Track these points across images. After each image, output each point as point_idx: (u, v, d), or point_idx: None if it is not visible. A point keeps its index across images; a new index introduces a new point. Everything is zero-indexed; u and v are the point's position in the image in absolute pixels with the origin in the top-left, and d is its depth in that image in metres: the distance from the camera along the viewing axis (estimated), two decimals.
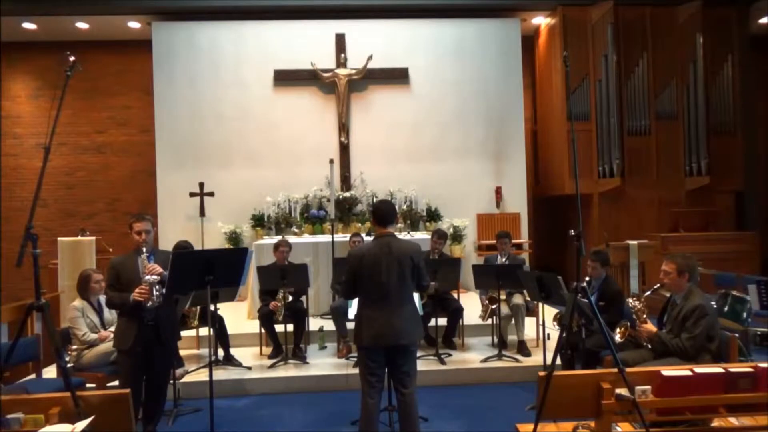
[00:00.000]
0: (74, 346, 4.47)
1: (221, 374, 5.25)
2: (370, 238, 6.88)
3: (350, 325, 5.35)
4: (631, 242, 7.83)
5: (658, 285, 3.98)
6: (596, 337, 4.47)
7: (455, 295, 5.99)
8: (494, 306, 5.76)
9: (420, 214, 8.81)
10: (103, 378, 4.30)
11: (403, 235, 7.72)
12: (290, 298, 5.60)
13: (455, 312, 5.80)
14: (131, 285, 3.66)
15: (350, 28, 9.14)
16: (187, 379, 5.07)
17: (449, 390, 5.08)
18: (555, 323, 5.07)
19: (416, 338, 3.69)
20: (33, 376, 4.75)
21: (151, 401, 3.82)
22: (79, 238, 6.49)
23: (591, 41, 9.35)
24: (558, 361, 3.32)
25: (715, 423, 3.09)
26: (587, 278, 4.77)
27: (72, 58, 2.94)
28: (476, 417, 4.49)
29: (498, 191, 9.18)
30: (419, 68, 9.21)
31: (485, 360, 5.48)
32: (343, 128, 9.02)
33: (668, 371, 2.90)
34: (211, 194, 8.68)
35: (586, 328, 4.46)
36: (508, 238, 6.23)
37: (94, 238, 6.49)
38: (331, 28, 9.13)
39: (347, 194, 8.80)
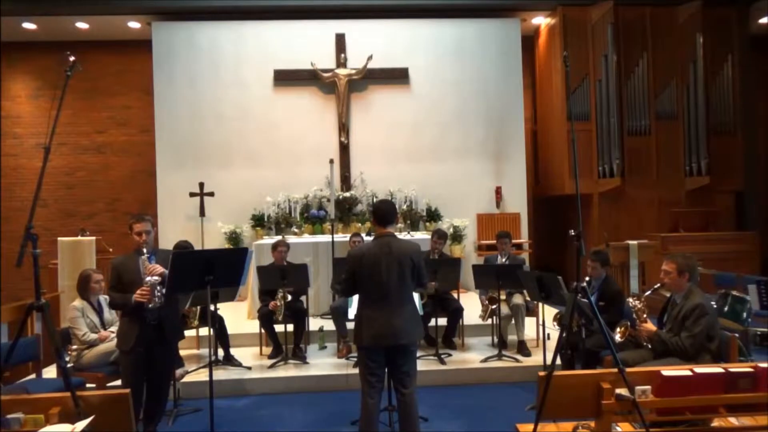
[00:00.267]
0: (74, 346, 4.47)
1: (221, 374, 5.25)
2: (370, 238, 6.90)
3: (350, 325, 5.35)
4: (631, 242, 7.83)
5: (658, 285, 3.98)
6: (596, 337, 4.47)
7: (455, 295, 5.99)
8: (494, 306, 5.76)
9: (420, 214, 8.82)
10: (103, 378, 4.30)
11: (403, 235, 7.72)
12: (289, 298, 5.60)
13: (455, 312, 5.80)
14: (133, 285, 3.66)
15: (350, 28, 9.14)
16: (187, 379, 5.06)
17: (449, 390, 5.08)
18: (555, 323, 5.07)
19: (416, 338, 3.68)
20: (33, 376, 4.74)
21: (152, 401, 3.83)
22: (79, 238, 6.49)
23: (591, 41, 9.35)
24: (558, 361, 3.32)
25: (715, 423, 3.09)
26: (587, 278, 4.77)
27: (72, 58, 2.94)
28: (476, 417, 4.49)
29: (498, 191, 9.19)
30: (419, 68, 9.21)
31: (485, 360, 5.48)
32: (343, 128, 9.02)
33: (668, 371, 2.90)
34: (211, 194, 8.68)
35: (586, 328, 4.46)
36: (508, 238, 6.23)
37: (94, 238, 6.49)
38: (331, 28, 9.13)
39: (347, 194, 8.80)
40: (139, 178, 10.00)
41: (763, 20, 9.89)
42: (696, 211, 9.16)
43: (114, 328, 4.57)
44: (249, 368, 5.41)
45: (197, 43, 9.04)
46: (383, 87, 9.19)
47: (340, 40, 9.12)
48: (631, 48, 9.42)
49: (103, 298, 4.74)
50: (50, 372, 5.04)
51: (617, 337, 3.97)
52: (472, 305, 6.38)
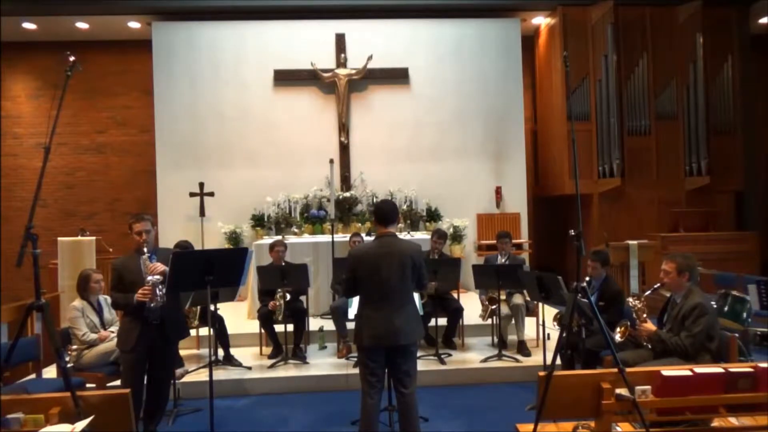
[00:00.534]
0: (74, 346, 4.47)
1: (221, 374, 5.25)
2: (369, 238, 6.90)
3: (350, 325, 5.35)
4: (631, 242, 7.83)
5: (658, 285, 3.97)
6: (596, 337, 4.47)
7: (455, 295, 5.99)
8: (494, 306, 5.76)
9: (420, 214, 8.82)
10: (103, 378, 4.30)
11: (403, 235, 7.72)
12: (288, 297, 5.60)
13: (455, 312, 5.81)
14: (135, 286, 3.67)
15: (350, 28, 9.15)
16: (187, 379, 5.07)
17: (449, 390, 5.08)
18: (555, 323, 5.06)
19: (416, 338, 3.68)
20: (33, 376, 4.74)
21: (153, 401, 3.84)
22: (79, 238, 6.49)
23: (591, 41, 9.35)
24: (558, 361, 3.32)
25: (715, 423, 3.09)
26: (587, 278, 4.77)
27: (72, 58, 2.94)
28: (476, 417, 4.49)
29: (498, 191, 9.19)
30: (419, 68, 9.21)
31: (485, 360, 5.48)
32: (343, 128, 9.02)
33: (668, 371, 2.90)
34: (211, 194, 8.68)
35: (586, 328, 4.46)
36: (508, 238, 6.23)
37: (94, 238, 6.49)
38: (331, 28, 9.13)
39: (347, 194, 8.80)
40: (139, 178, 10.00)
41: (763, 20, 9.90)
42: (696, 211, 9.16)
43: (114, 328, 4.58)
44: (249, 368, 5.41)
45: (197, 43, 9.04)
46: (383, 87, 9.19)
47: (340, 40, 9.12)
48: (631, 48, 9.42)
49: (103, 298, 4.74)
50: (50, 372, 5.04)
51: (617, 337, 3.97)
52: (472, 305, 6.38)
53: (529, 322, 5.92)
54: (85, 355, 4.45)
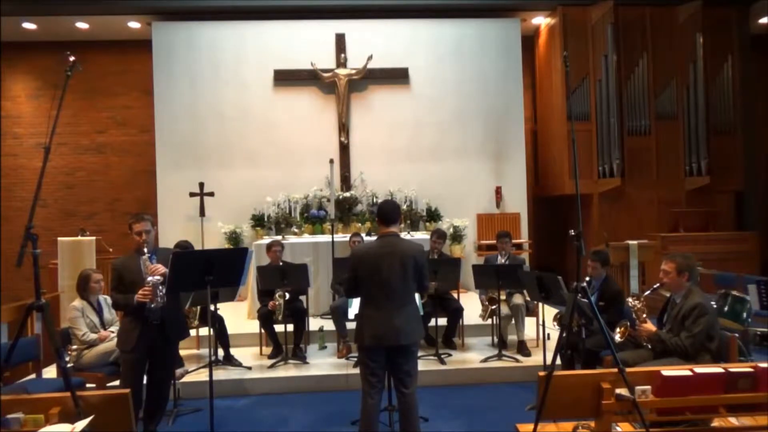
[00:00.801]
0: (74, 346, 4.47)
1: (221, 374, 5.25)
2: (369, 238, 6.90)
3: (350, 325, 5.37)
4: (631, 242, 7.83)
5: (658, 285, 3.97)
6: (596, 337, 4.46)
7: (455, 295, 5.99)
8: (494, 306, 5.76)
9: (420, 214, 8.82)
10: (103, 378, 4.30)
11: (402, 236, 7.71)
12: (287, 296, 5.60)
13: (455, 312, 5.81)
14: (135, 286, 3.67)
15: (350, 28, 9.15)
16: (187, 379, 5.07)
17: (449, 390, 5.08)
18: (555, 323, 5.06)
19: (417, 338, 3.68)
20: (33, 376, 4.74)
21: (153, 401, 3.84)
22: (79, 238, 6.49)
23: (591, 41, 9.35)
24: (558, 361, 3.32)
25: (715, 423, 3.09)
26: (587, 278, 4.77)
27: (72, 58, 2.94)
28: (476, 417, 4.49)
29: (498, 191, 9.19)
30: (419, 68, 9.21)
31: (485, 360, 5.48)
32: (343, 128, 9.02)
33: (668, 371, 2.90)
34: (211, 194, 8.68)
35: (586, 328, 4.46)
36: (508, 237, 6.23)
37: (94, 238, 6.49)
38: (331, 28, 9.13)
39: (347, 194, 8.80)
40: (139, 178, 10.00)
41: (763, 20, 9.90)
42: (696, 211, 9.16)
43: (114, 328, 4.58)
44: (249, 368, 5.41)
45: (197, 43, 9.04)
46: (383, 87, 9.19)
47: (340, 40, 9.12)
48: (631, 48, 9.42)
49: (103, 298, 4.75)
50: (50, 372, 5.04)
51: (617, 337, 3.97)
52: (472, 305, 6.38)
53: (529, 322, 5.92)
54: (85, 355, 4.45)
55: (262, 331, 5.85)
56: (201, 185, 8.66)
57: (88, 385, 4.20)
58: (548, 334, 5.30)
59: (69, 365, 4.04)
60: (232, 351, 5.59)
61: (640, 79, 9.40)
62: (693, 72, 9.32)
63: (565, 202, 9.79)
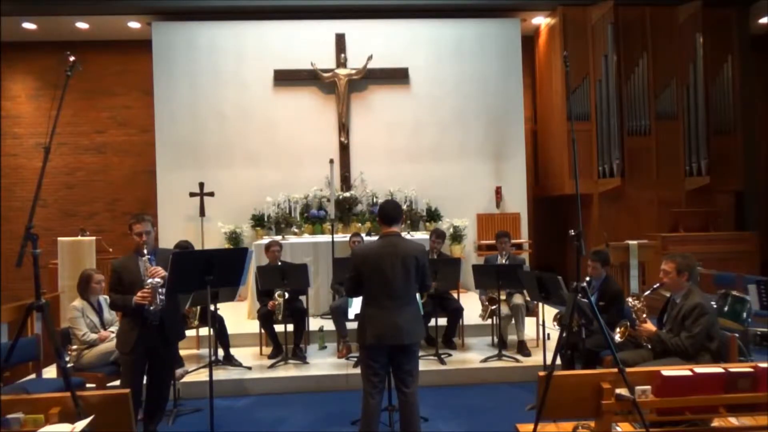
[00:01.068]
0: (74, 346, 4.47)
1: (221, 374, 5.25)
2: (369, 238, 6.91)
3: (350, 325, 5.38)
4: (631, 242, 7.83)
5: (658, 285, 3.97)
6: (596, 337, 4.46)
7: (455, 295, 5.99)
8: (494, 306, 5.76)
9: (420, 214, 8.82)
10: (103, 378, 4.30)
11: (402, 236, 7.71)
12: (287, 296, 5.60)
13: (455, 312, 5.81)
14: (134, 287, 3.66)
15: (350, 28, 9.15)
16: (187, 379, 5.06)
17: (449, 390, 5.08)
18: (555, 323, 5.06)
19: (419, 338, 3.69)
20: (33, 376, 4.74)
21: (153, 401, 3.84)
22: (79, 238, 6.49)
23: (591, 41, 9.35)
24: (558, 361, 3.32)
25: (715, 423, 3.09)
26: (587, 278, 4.77)
27: (72, 58, 2.94)
28: (476, 417, 4.49)
29: (498, 191, 9.19)
30: (419, 68, 9.21)
31: (485, 360, 5.48)
32: (343, 128, 9.02)
33: (668, 371, 2.90)
34: (211, 194, 8.68)
35: (586, 328, 4.46)
36: (507, 237, 6.23)
37: (94, 238, 6.49)
38: (331, 28, 9.13)
39: (347, 194, 8.80)
40: (139, 178, 10.00)
41: (763, 20, 9.90)
42: (696, 211, 9.16)
43: (114, 328, 4.58)
44: (249, 368, 5.41)
45: (197, 43, 9.04)
46: (383, 87, 9.19)
47: (340, 40, 9.12)
48: (631, 48, 9.42)
49: (103, 299, 4.74)
50: (50, 372, 5.04)
51: (617, 337, 3.97)
52: (472, 305, 6.38)
53: (529, 322, 5.92)
54: (85, 355, 4.45)
55: (262, 331, 5.85)
56: (201, 185, 8.66)
57: (88, 385, 4.20)
58: (548, 334, 5.29)
59: (69, 365, 4.04)
60: (232, 351, 5.59)
61: (640, 79, 9.39)
62: (693, 72, 9.32)
63: (565, 202, 9.79)
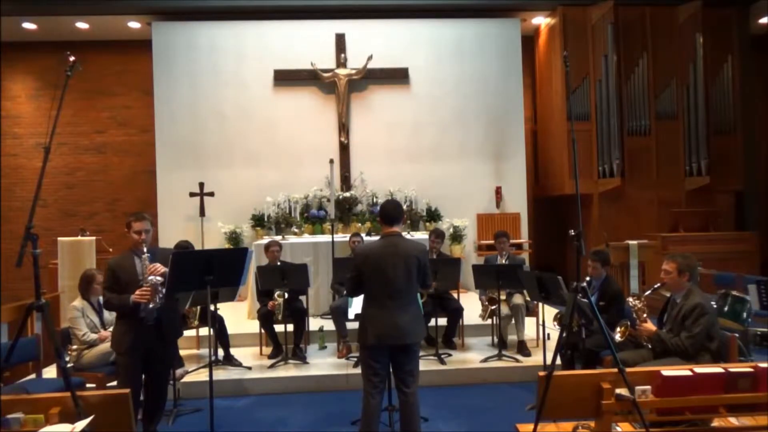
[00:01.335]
0: (74, 346, 4.47)
1: (221, 374, 5.25)
2: (369, 238, 6.91)
3: (350, 325, 5.38)
4: (631, 242, 7.83)
5: (658, 285, 3.97)
6: (596, 337, 4.46)
7: (455, 295, 5.99)
8: (494, 306, 5.76)
9: (420, 214, 8.82)
10: (103, 378, 4.30)
11: (403, 235, 7.71)
12: (286, 296, 5.60)
13: (455, 312, 5.81)
14: (130, 286, 3.60)
15: (350, 28, 9.15)
16: (187, 379, 5.06)
17: (449, 390, 5.08)
18: (555, 323, 5.06)
19: (420, 338, 3.69)
20: (33, 376, 4.74)
21: (152, 401, 3.80)
22: (79, 238, 6.49)
23: (591, 41, 9.35)
24: (558, 361, 3.32)
25: (715, 423, 3.09)
26: (588, 278, 4.77)
27: (72, 58, 2.93)
28: (476, 417, 4.49)
29: (498, 191, 9.19)
30: (419, 68, 9.21)
31: (485, 360, 5.48)
32: (343, 128, 9.02)
33: (668, 371, 2.90)
34: (211, 194, 8.68)
35: (586, 328, 4.46)
36: (506, 237, 6.24)
37: (94, 238, 6.49)
38: (331, 28, 9.13)
39: (347, 194, 8.80)
40: (139, 178, 10.00)
41: (763, 20, 9.90)
42: (696, 211, 9.16)
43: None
44: (249, 368, 5.41)
45: (197, 43, 9.04)
46: (383, 87, 9.19)
47: (340, 40, 9.12)
48: (631, 48, 9.42)
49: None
50: (50, 372, 5.04)
51: (617, 337, 3.97)
52: (472, 305, 6.38)
53: (529, 322, 5.92)
54: (85, 355, 4.45)
55: (262, 331, 5.85)
56: (201, 185, 8.66)
57: (88, 385, 4.20)
58: (548, 334, 5.29)
59: (69, 365, 4.04)
60: (232, 351, 5.59)
61: (640, 79, 9.39)
62: (693, 72, 9.32)
63: (565, 202, 9.79)
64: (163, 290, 3.58)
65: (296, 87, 9.11)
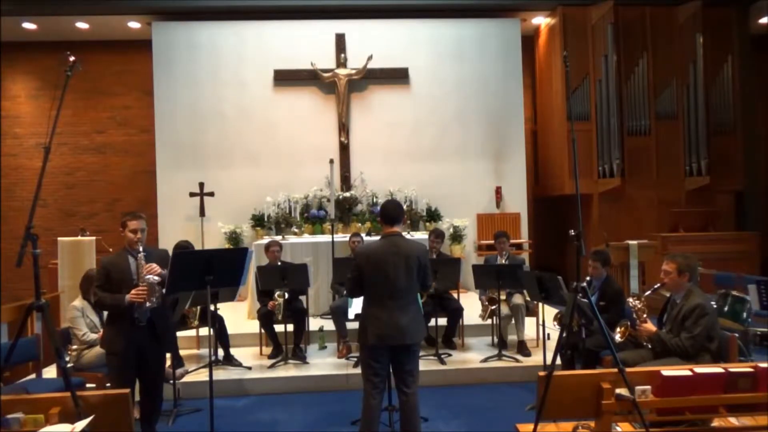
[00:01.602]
0: (74, 346, 4.47)
1: (221, 374, 5.25)
2: (369, 238, 6.91)
3: (350, 325, 5.38)
4: (631, 242, 7.83)
5: (658, 285, 3.97)
6: (596, 337, 4.46)
7: (455, 295, 5.99)
8: (494, 306, 5.76)
9: (420, 214, 8.82)
10: (103, 378, 4.28)
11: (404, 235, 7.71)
12: (286, 296, 5.60)
13: (455, 312, 5.81)
14: (122, 285, 3.54)
15: (350, 28, 9.15)
16: (187, 379, 5.07)
17: (449, 390, 5.08)
18: (555, 323, 5.06)
19: (420, 338, 3.69)
20: (33, 376, 4.75)
21: (148, 401, 3.74)
22: (79, 238, 6.49)
23: (591, 41, 9.35)
24: (558, 361, 3.32)
25: (715, 423, 3.09)
26: (588, 278, 4.76)
27: (72, 58, 2.93)
28: (476, 417, 4.49)
29: (498, 191, 9.19)
30: (419, 68, 9.21)
31: (485, 360, 5.48)
32: (343, 128, 9.02)
33: (668, 371, 2.90)
34: (211, 194, 8.68)
35: (586, 328, 4.46)
36: (505, 237, 6.24)
37: (94, 238, 6.49)
38: (331, 28, 9.13)
39: (347, 194, 8.80)
40: (139, 178, 9.99)
41: (763, 20, 9.89)
42: (696, 211, 9.16)
43: None
44: (249, 368, 5.41)
45: (197, 43, 9.03)
46: (383, 87, 9.19)
47: (340, 40, 9.12)
48: (631, 48, 9.42)
49: None
50: (50, 372, 5.04)
51: (617, 337, 3.97)
52: (472, 305, 6.38)
53: (529, 322, 5.92)
54: (85, 355, 4.45)
55: (262, 331, 5.84)
56: (201, 185, 8.66)
57: (88, 385, 4.20)
58: (548, 334, 5.29)
59: (69, 365, 4.04)
60: (232, 351, 5.59)
61: (640, 79, 9.39)
62: (693, 72, 9.32)
63: (565, 202, 9.79)
64: (161, 290, 3.56)
65: (296, 87, 9.11)
